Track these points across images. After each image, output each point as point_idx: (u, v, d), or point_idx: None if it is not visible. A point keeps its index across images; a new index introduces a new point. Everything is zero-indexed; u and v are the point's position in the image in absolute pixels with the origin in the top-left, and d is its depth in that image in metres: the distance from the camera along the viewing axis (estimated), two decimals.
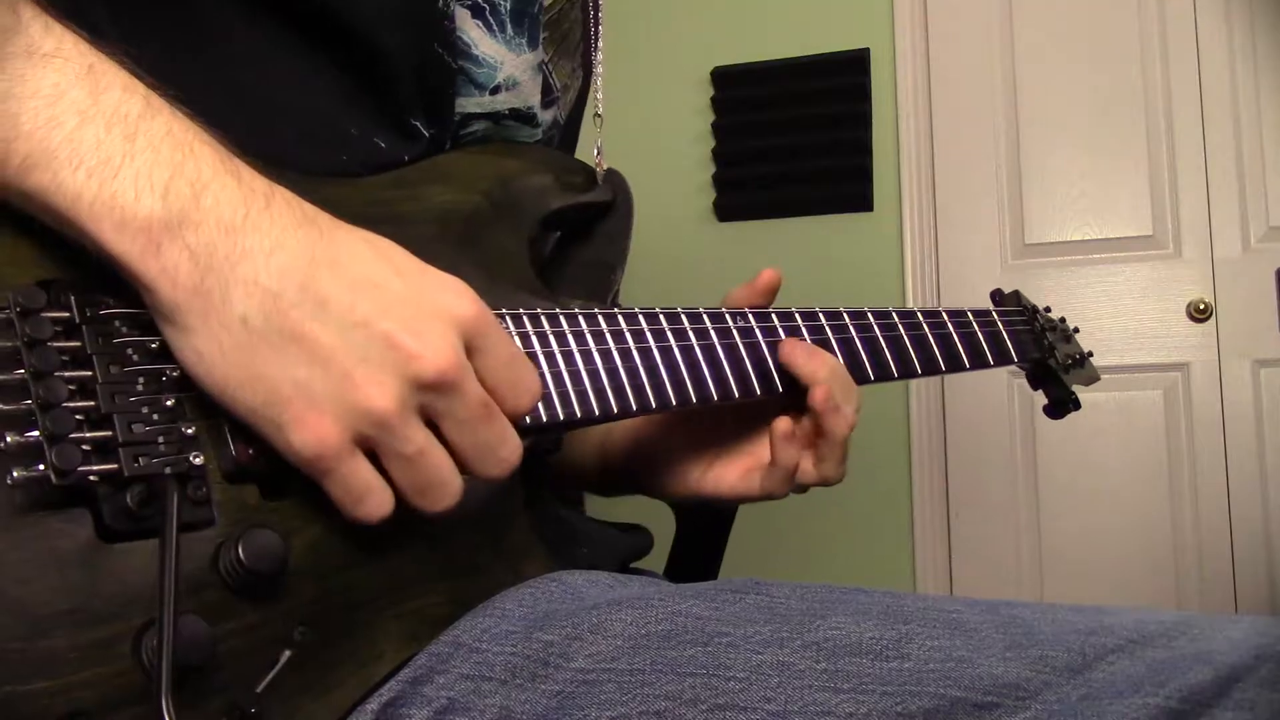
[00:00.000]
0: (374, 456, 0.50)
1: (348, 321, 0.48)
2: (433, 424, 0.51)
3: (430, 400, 0.50)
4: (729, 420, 0.79)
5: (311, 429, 0.47)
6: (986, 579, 2.46)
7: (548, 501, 0.74)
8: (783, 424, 0.73)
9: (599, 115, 0.85)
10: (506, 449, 0.53)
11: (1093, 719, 0.43)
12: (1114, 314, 2.45)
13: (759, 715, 0.48)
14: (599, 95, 0.86)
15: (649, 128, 2.68)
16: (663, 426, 0.81)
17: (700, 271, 2.59)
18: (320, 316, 0.48)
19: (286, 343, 0.47)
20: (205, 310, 0.46)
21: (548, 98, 0.79)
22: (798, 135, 2.62)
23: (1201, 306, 2.39)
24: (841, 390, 0.73)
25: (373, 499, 0.49)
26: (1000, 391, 2.49)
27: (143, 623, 0.44)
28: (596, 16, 0.85)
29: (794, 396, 0.74)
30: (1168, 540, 2.38)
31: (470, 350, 0.51)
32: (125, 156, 0.46)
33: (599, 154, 0.80)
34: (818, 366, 0.73)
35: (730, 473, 0.78)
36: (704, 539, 0.88)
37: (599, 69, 0.85)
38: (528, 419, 0.57)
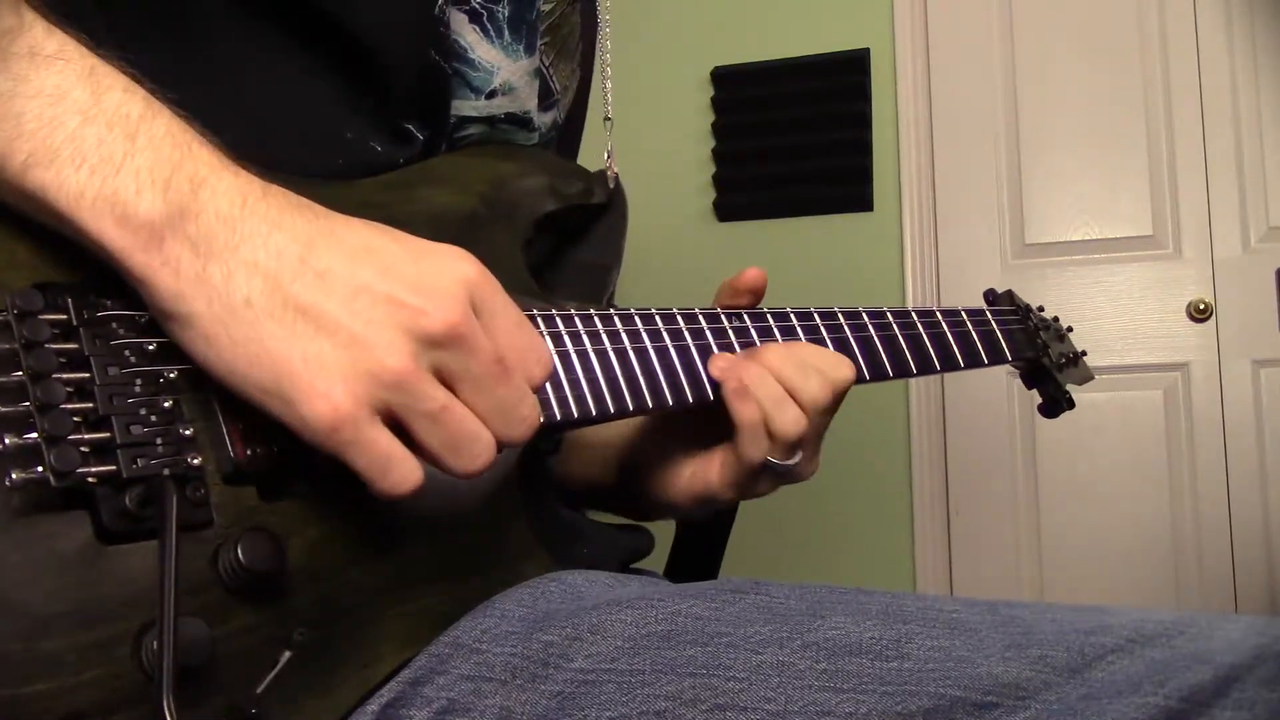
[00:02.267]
0: (397, 432, 0.49)
1: (350, 288, 0.48)
2: (448, 388, 0.50)
3: (443, 359, 0.49)
4: (708, 424, 0.76)
5: (324, 399, 0.46)
6: (986, 579, 2.46)
7: (548, 501, 0.74)
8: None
9: (609, 119, 0.85)
10: (526, 406, 0.52)
11: (1092, 718, 0.43)
12: (1114, 314, 2.45)
13: (759, 715, 0.48)
14: (609, 98, 0.86)
15: (649, 128, 2.68)
16: (649, 436, 0.79)
17: (700, 271, 2.57)
18: (322, 287, 0.48)
19: (292, 317, 0.47)
20: (209, 297, 0.46)
21: (547, 100, 0.79)
22: (798, 135, 2.62)
23: (1201, 306, 2.39)
24: (774, 402, 0.71)
25: (398, 468, 0.48)
26: (1000, 391, 2.49)
27: (142, 624, 0.44)
28: (596, 21, 0.85)
29: None
30: (1168, 540, 2.38)
31: (478, 312, 0.51)
32: (126, 155, 0.47)
33: (610, 157, 0.80)
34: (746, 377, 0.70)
35: (710, 473, 0.75)
36: (704, 539, 0.88)
37: (609, 71, 0.85)
38: None
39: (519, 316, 0.53)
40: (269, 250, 0.48)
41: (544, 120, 0.79)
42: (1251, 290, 2.37)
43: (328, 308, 0.47)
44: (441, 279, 0.50)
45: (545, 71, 0.78)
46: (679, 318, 0.71)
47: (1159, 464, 2.40)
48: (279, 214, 0.49)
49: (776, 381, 0.71)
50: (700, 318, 0.72)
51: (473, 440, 0.50)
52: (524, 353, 0.52)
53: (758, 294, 0.78)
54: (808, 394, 0.71)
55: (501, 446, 0.52)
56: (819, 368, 0.72)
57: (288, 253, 0.48)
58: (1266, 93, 2.40)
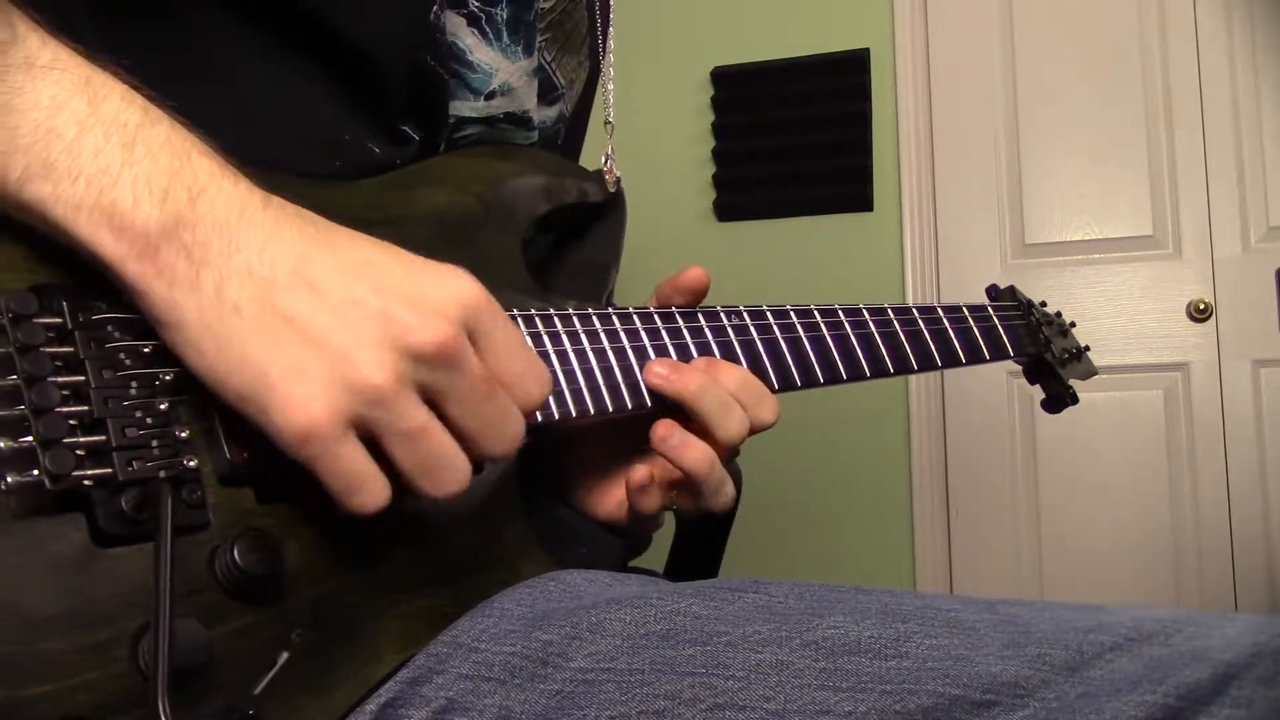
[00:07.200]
0: (372, 448, 0.48)
1: (341, 300, 0.47)
2: (432, 406, 0.49)
3: (429, 377, 0.48)
4: (615, 444, 0.73)
5: (299, 409, 0.46)
6: (986, 579, 2.46)
7: (546, 501, 0.73)
8: (639, 474, 0.68)
9: (609, 122, 0.85)
10: (511, 425, 0.52)
11: (1091, 716, 0.43)
12: (1114, 314, 2.45)
13: (758, 714, 0.48)
14: (609, 99, 0.85)
15: (649, 128, 2.68)
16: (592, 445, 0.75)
17: None
18: (312, 298, 0.47)
19: (278, 326, 0.47)
20: (199, 304, 0.46)
21: (551, 95, 0.79)
22: (798, 135, 2.62)
23: (1201, 306, 2.39)
24: (720, 407, 0.68)
25: (367, 488, 0.48)
26: (1000, 391, 2.49)
27: (139, 626, 0.44)
28: (606, 14, 0.85)
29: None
30: (1168, 540, 2.38)
31: (472, 334, 0.50)
32: (124, 165, 0.46)
33: (609, 160, 0.80)
34: (683, 384, 0.67)
35: (607, 499, 0.73)
36: (704, 539, 0.87)
37: (610, 72, 0.85)
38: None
39: (517, 337, 0.53)
40: (263, 260, 0.47)
41: (547, 115, 0.79)
42: (1251, 290, 2.37)
43: (316, 318, 0.47)
44: (437, 297, 0.49)
45: (548, 67, 0.78)
46: (677, 316, 0.71)
47: (1159, 464, 2.40)
48: (276, 225, 0.49)
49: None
50: (699, 315, 0.72)
51: (447, 465, 0.49)
52: (520, 375, 0.52)
53: (698, 295, 0.75)
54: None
55: (483, 464, 0.52)
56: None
57: (281, 262, 0.48)
58: (1266, 93, 2.39)
